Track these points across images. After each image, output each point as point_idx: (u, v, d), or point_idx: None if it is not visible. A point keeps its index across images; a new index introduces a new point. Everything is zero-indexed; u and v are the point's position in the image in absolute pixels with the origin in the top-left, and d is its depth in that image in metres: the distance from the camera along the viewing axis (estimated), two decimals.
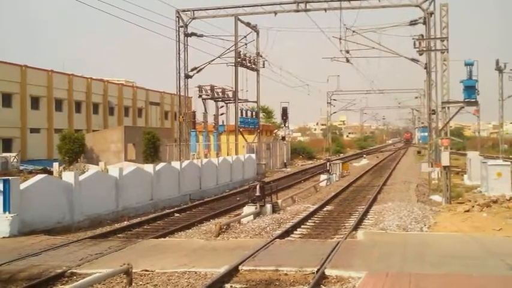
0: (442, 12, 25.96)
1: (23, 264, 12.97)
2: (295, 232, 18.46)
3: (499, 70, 63.92)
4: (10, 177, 18.76)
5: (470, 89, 23.70)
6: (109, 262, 12.81)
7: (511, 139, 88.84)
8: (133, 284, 11.01)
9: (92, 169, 27.01)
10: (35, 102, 56.94)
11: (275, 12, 38.15)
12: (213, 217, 22.14)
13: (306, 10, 37.00)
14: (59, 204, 19.15)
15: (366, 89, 75.64)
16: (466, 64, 23.91)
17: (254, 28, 47.16)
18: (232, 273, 11.88)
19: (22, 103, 54.52)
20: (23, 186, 18.13)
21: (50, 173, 33.72)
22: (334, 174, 38.67)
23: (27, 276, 12.04)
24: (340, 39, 34.50)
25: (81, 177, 20.70)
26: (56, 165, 37.84)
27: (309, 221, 20.73)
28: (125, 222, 20.88)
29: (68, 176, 20.26)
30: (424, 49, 28.84)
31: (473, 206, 22.26)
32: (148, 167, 26.02)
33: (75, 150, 42.39)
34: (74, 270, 12.34)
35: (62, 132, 46.80)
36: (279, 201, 24.22)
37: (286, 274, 11.84)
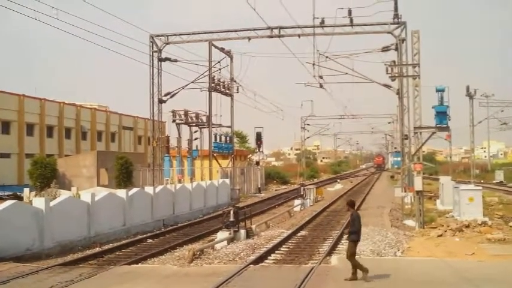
0: (413, 39, 26.39)
1: None
2: (269, 258, 18.36)
3: (470, 96, 65.15)
4: None
5: (441, 114, 24.04)
6: None
7: (482, 164, 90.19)
8: None
9: (63, 194, 26.63)
10: (6, 126, 56.03)
11: (249, 38, 38.42)
12: (186, 243, 21.95)
13: (280, 36, 37.33)
14: (29, 231, 18.78)
15: (339, 114, 76.62)
16: (438, 90, 24.29)
17: (228, 53, 47.43)
18: None
19: None
20: None
21: (20, 198, 33.14)
22: (308, 199, 38.65)
23: None
24: (313, 64, 34.81)
25: (52, 203, 20.38)
26: (26, 190, 37.21)
27: (283, 246, 20.64)
28: (97, 249, 20.58)
29: (39, 202, 19.92)
30: (396, 75, 29.23)
31: (446, 231, 22.41)
32: (121, 192, 25.76)
33: (46, 176, 41.68)
34: None
35: (33, 157, 46.12)
36: (253, 226, 24.11)
37: None
